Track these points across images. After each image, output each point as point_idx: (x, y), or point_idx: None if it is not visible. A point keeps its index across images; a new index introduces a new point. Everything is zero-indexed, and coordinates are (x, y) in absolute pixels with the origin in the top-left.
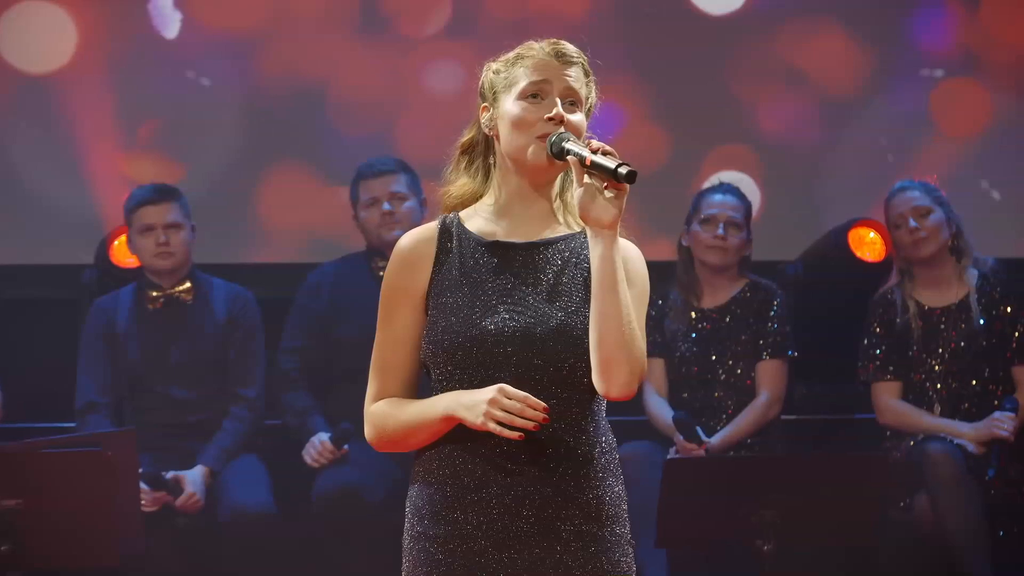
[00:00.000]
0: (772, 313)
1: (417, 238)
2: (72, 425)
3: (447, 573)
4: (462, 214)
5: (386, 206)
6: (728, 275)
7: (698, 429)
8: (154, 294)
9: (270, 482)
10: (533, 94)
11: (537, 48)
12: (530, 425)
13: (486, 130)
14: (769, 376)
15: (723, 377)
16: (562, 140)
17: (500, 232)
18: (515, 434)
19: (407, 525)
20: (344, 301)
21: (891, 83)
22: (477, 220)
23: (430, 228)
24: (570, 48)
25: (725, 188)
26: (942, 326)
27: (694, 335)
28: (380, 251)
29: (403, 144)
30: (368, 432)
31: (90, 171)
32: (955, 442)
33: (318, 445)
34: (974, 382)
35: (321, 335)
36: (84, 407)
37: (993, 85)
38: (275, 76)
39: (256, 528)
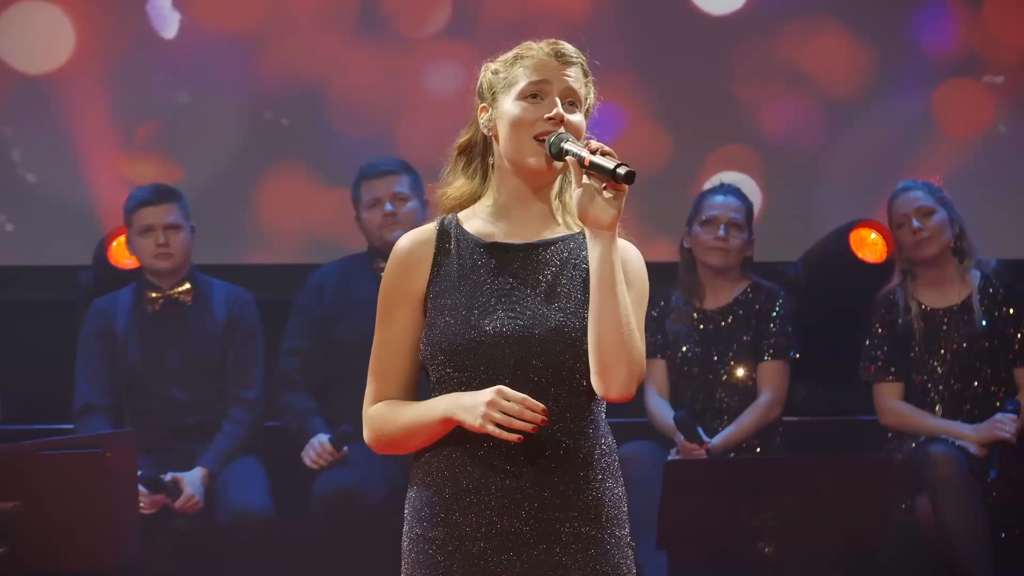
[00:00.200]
0: (774, 314)
1: (415, 239)
2: (70, 427)
3: (446, 575)
4: (460, 215)
5: (388, 207)
6: (730, 276)
7: (699, 429)
8: (153, 295)
9: (269, 484)
10: (533, 94)
11: (536, 48)
12: (529, 427)
13: (485, 130)
14: (771, 377)
15: (725, 378)
16: (561, 140)
17: (499, 233)
18: (514, 436)
19: (406, 527)
20: (345, 302)
21: (893, 83)
22: (476, 221)
23: (428, 229)
24: (569, 48)
25: (726, 189)
26: (944, 327)
27: (696, 336)
28: (382, 252)
29: (403, 144)
30: (367, 434)
31: (88, 172)
32: (957, 444)
33: (317, 447)
34: (976, 383)
35: (322, 336)
36: (82, 409)
37: (995, 85)
38: (274, 76)
39: (255, 530)
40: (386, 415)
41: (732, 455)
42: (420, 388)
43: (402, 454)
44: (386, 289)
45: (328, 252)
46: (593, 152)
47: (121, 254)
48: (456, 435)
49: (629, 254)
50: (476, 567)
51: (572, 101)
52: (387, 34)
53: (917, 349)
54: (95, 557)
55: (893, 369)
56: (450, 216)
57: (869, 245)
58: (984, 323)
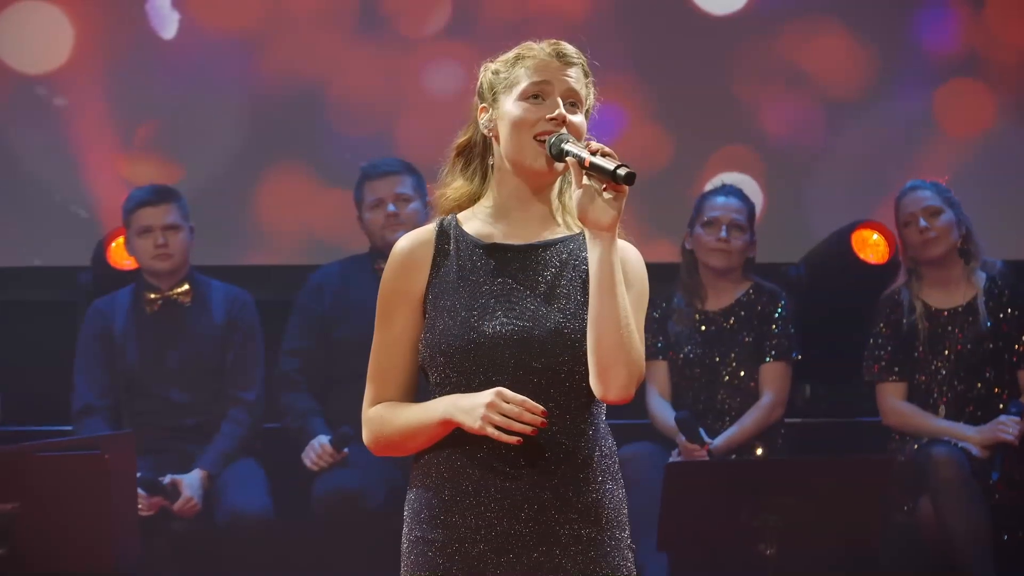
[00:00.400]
0: (776, 315)
1: (414, 240)
2: (69, 428)
3: None
4: (460, 216)
5: (391, 207)
6: (732, 277)
7: (701, 430)
8: (152, 296)
9: (268, 485)
10: (534, 95)
11: (537, 49)
12: (528, 429)
13: (485, 131)
14: (772, 378)
15: (726, 379)
16: (561, 141)
17: (498, 234)
18: (513, 439)
19: (405, 529)
20: (346, 302)
21: (894, 84)
22: (475, 222)
23: (427, 230)
24: (570, 49)
25: (728, 190)
26: (949, 328)
27: (697, 337)
28: (383, 252)
29: (403, 145)
30: (366, 436)
31: (87, 172)
32: (959, 445)
33: (318, 448)
34: (979, 385)
35: (323, 336)
36: (81, 410)
37: (997, 86)
38: (274, 76)
39: (254, 532)
40: (385, 417)
41: (733, 456)
42: (419, 389)
43: (401, 456)
44: (385, 290)
45: (328, 253)
46: (593, 153)
47: (120, 255)
48: (456, 437)
49: (629, 255)
50: (475, 569)
51: (573, 102)
52: (387, 34)
53: (921, 349)
54: (94, 558)
55: (897, 369)
56: (449, 217)
57: (871, 246)
58: (989, 324)
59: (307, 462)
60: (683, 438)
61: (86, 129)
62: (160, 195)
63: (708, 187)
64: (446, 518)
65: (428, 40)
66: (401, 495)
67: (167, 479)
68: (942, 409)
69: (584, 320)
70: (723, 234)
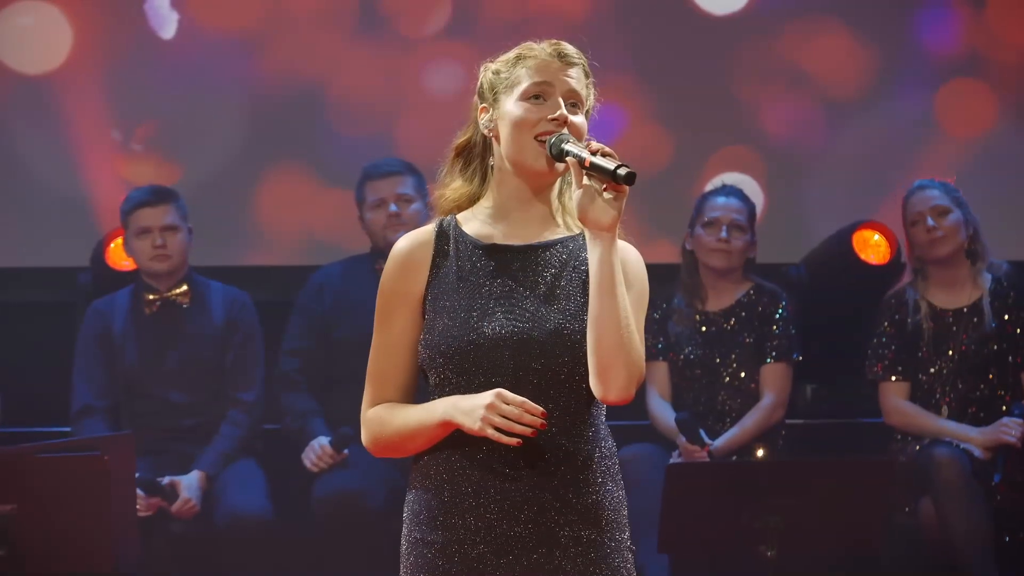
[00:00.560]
0: (777, 316)
1: (414, 241)
2: (68, 429)
3: None
4: (459, 217)
5: (392, 207)
6: (732, 278)
7: (701, 431)
8: (151, 297)
9: (268, 487)
10: (535, 95)
11: (538, 49)
12: (528, 431)
13: (485, 131)
14: (773, 379)
15: (727, 380)
16: (562, 141)
17: (498, 235)
18: (513, 440)
19: (405, 531)
20: (347, 302)
21: (895, 84)
22: (474, 223)
23: (427, 231)
24: (571, 49)
25: (728, 190)
26: (953, 328)
27: (698, 338)
28: (385, 252)
29: (403, 145)
30: (365, 437)
31: (86, 172)
32: (961, 447)
33: (318, 449)
34: (982, 386)
35: (323, 336)
36: (80, 411)
37: (998, 86)
38: (273, 77)
39: (253, 533)
40: (384, 418)
41: (734, 458)
42: (419, 390)
43: (400, 457)
44: (384, 291)
45: (327, 253)
46: (593, 153)
47: (119, 255)
48: (455, 438)
49: (629, 255)
50: (475, 571)
51: (574, 102)
52: (387, 34)
53: (925, 349)
54: (93, 560)
55: (900, 368)
56: (448, 218)
57: (872, 247)
58: (993, 326)
59: (307, 463)
60: (683, 439)
61: (85, 129)
62: (158, 196)
63: (708, 187)
64: (445, 519)
65: (428, 40)
66: (401, 496)
67: (165, 480)
68: (945, 409)
69: (584, 321)
70: (723, 234)
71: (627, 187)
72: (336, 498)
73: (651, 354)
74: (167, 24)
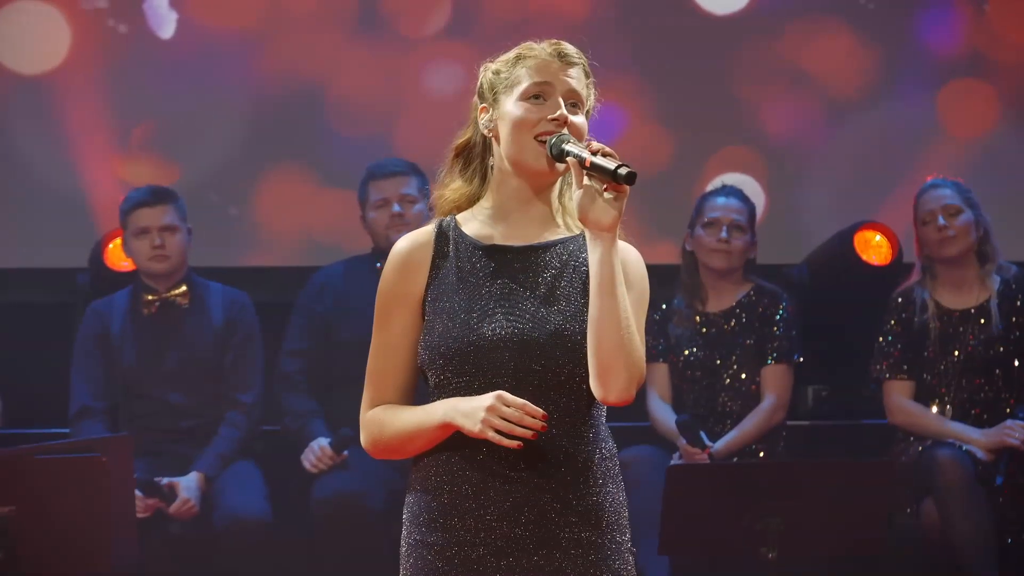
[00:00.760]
0: (778, 317)
1: (413, 242)
2: (66, 430)
3: None
4: (459, 217)
5: (396, 208)
6: (732, 279)
7: (702, 434)
8: (149, 298)
9: (266, 488)
10: (535, 95)
11: (538, 49)
12: (529, 434)
13: (485, 131)
14: (774, 381)
15: (728, 382)
16: (562, 142)
17: (497, 235)
18: (514, 443)
19: (404, 533)
20: (349, 303)
21: (897, 84)
22: (474, 223)
23: (426, 232)
24: (571, 49)
25: (728, 191)
26: (960, 328)
27: (698, 339)
28: (386, 253)
29: (402, 145)
30: (364, 439)
31: (84, 173)
32: (964, 448)
33: (317, 450)
34: (987, 387)
35: (324, 337)
36: (78, 412)
37: (1000, 86)
38: (272, 77)
39: (252, 535)
40: (384, 420)
41: (735, 459)
42: (418, 392)
43: (400, 459)
44: (384, 292)
45: (327, 254)
46: (594, 153)
47: (117, 256)
48: (455, 440)
49: (629, 256)
50: (475, 573)
51: (574, 102)
52: (387, 34)
53: (931, 349)
54: (92, 561)
55: (905, 367)
56: (448, 218)
57: (874, 247)
58: (1000, 328)
59: (306, 464)
60: (684, 442)
61: (83, 129)
62: (157, 196)
63: (709, 188)
64: (445, 521)
65: (428, 40)
66: (400, 498)
67: (164, 481)
68: (949, 410)
69: (584, 322)
70: (723, 235)
71: (628, 187)
72: (335, 500)
73: (651, 355)
74: (166, 24)
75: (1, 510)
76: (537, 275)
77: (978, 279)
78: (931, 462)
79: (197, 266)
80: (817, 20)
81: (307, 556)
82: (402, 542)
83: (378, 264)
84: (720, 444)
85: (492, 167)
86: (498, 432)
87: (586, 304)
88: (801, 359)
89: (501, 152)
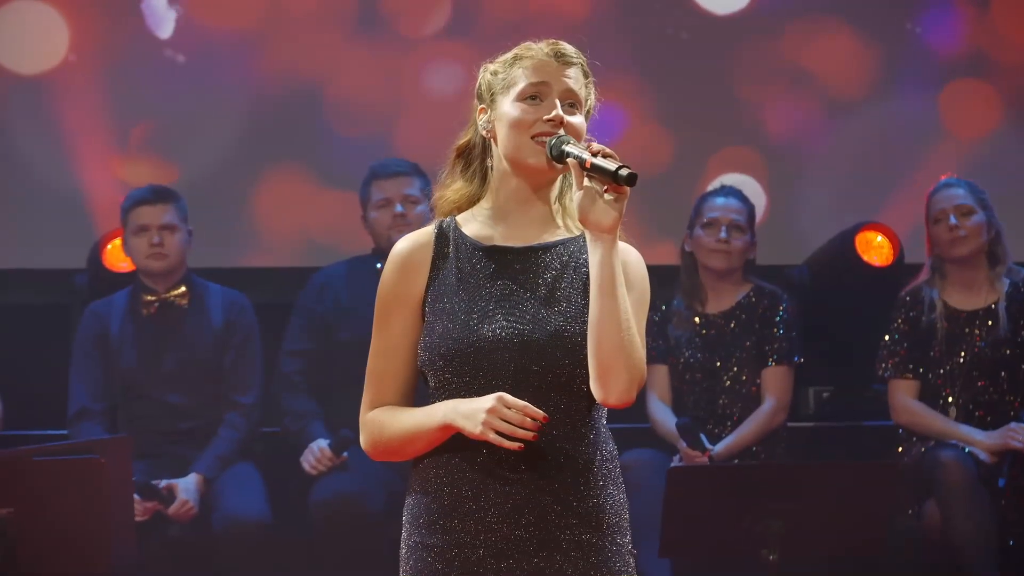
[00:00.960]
0: (778, 318)
1: (413, 243)
2: (65, 432)
3: None
4: (459, 218)
5: (398, 208)
6: (732, 279)
7: (702, 436)
8: (148, 298)
9: (266, 490)
10: (532, 95)
11: (536, 49)
12: (529, 435)
13: (483, 132)
14: (775, 383)
15: (728, 384)
16: (562, 143)
17: (497, 236)
18: (514, 445)
19: (404, 535)
20: (349, 303)
21: (899, 84)
22: (474, 224)
23: (426, 232)
24: (569, 49)
25: (727, 191)
26: (967, 329)
27: (698, 341)
28: (387, 253)
29: (402, 146)
30: (364, 441)
31: (83, 173)
32: (967, 450)
33: (317, 452)
34: (992, 389)
35: (324, 338)
36: (77, 414)
37: (1003, 86)
38: (272, 76)
39: (251, 537)
40: (384, 421)
41: (736, 461)
42: (418, 393)
43: (400, 461)
44: (383, 293)
45: (326, 255)
46: (594, 154)
47: (116, 257)
48: (455, 441)
49: (630, 257)
50: (475, 575)
51: (572, 103)
52: (387, 34)
53: (937, 349)
54: (91, 563)
55: (911, 367)
56: (448, 219)
57: (875, 248)
58: (1008, 330)
59: (305, 466)
60: (684, 444)
61: (81, 130)
62: (158, 195)
63: (708, 189)
64: (445, 523)
65: (428, 40)
66: (400, 500)
67: (163, 483)
68: (953, 411)
69: (584, 323)
70: (723, 235)
71: (628, 188)
72: (335, 501)
73: (651, 357)
74: (164, 23)
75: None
76: (537, 276)
77: (987, 281)
78: (934, 463)
79: (196, 267)
80: (818, 20)
81: (307, 558)
82: (402, 544)
83: (379, 265)
84: (720, 447)
85: (491, 168)
86: (499, 434)
87: (586, 305)
88: (801, 360)
89: (500, 152)
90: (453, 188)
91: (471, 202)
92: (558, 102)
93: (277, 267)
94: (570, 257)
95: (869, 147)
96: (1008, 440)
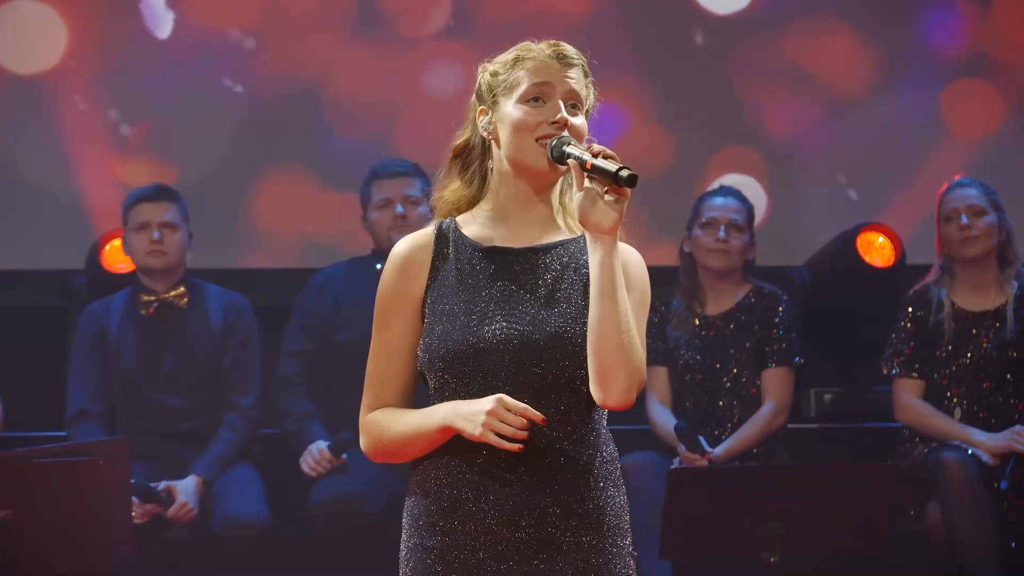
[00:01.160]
0: (777, 319)
1: (412, 244)
2: (63, 434)
3: None
4: (459, 219)
5: (399, 208)
6: (731, 280)
7: (701, 439)
8: (147, 299)
9: (265, 492)
10: (535, 97)
11: (537, 50)
12: (525, 435)
13: (484, 133)
14: (775, 384)
15: (728, 385)
16: (563, 144)
17: (498, 237)
18: (515, 446)
19: (404, 536)
20: (349, 304)
21: (900, 84)
22: (474, 225)
23: (426, 234)
24: (570, 49)
25: (726, 191)
26: (974, 330)
27: (697, 343)
28: (387, 254)
29: (402, 146)
30: (363, 442)
31: (81, 174)
32: (970, 451)
33: (316, 453)
34: (996, 391)
35: (324, 339)
36: (75, 415)
37: (1004, 86)
38: (271, 77)
39: (250, 539)
40: (384, 423)
41: (736, 463)
42: (418, 394)
43: (399, 463)
44: (383, 294)
45: (325, 256)
46: (595, 155)
47: (114, 258)
48: (455, 443)
49: (630, 258)
50: None
51: (574, 103)
52: (386, 34)
53: (944, 349)
54: (89, 565)
55: (917, 366)
56: (448, 220)
57: (877, 249)
58: (1015, 332)
59: (305, 467)
60: (683, 448)
61: (80, 130)
62: (161, 192)
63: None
64: (445, 525)
65: (428, 40)
66: (400, 502)
67: (161, 485)
68: (958, 411)
69: (585, 324)
70: (721, 234)
71: (629, 189)
72: (334, 503)
73: (650, 359)
74: (163, 23)
75: None
76: (537, 277)
77: (996, 282)
78: (936, 464)
79: (195, 267)
80: (819, 19)
81: (306, 560)
82: (401, 546)
83: (378, 265)
84: (720, 449)
85: (491, 169)
86: (499, 436)
87: (587, 306)
88: (801, 361)
89: (501, 154)
90: (451, 189)
91: (470, 203)
92: (561, 103)
93: (276, 268)
94: (570, 258)
95: (870, 147)
96: (1013, 442)
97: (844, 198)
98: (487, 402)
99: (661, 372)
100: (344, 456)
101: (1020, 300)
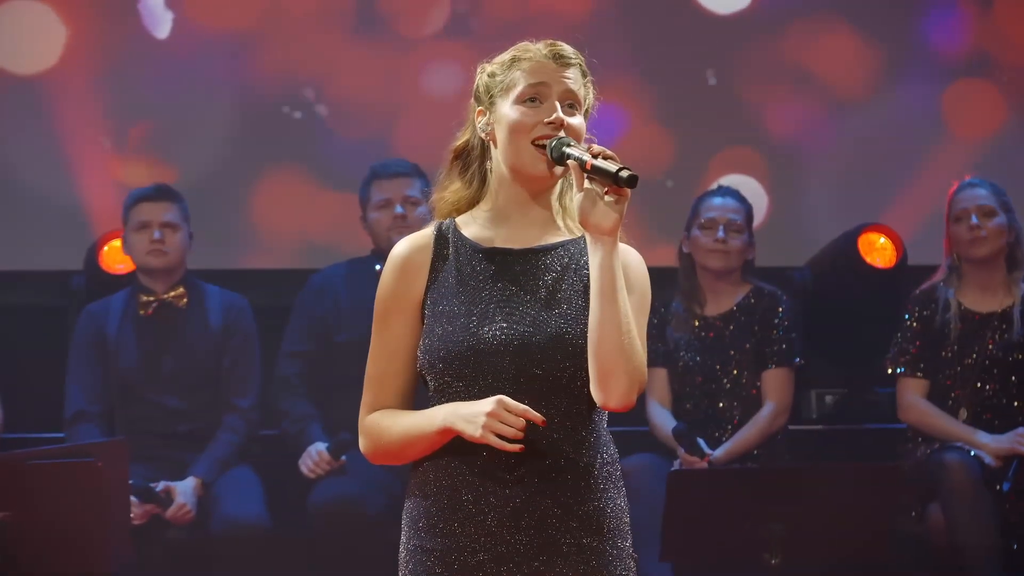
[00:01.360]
0: (777, 320)
1: (412, 245)
2: (61, 435)
3: None
4: (459, 220)
5: (399, 209)
6: (731, 280)
7: (700, 441)
8: (146, 299)
9: (264, 493)
10: (531, 97)
11: (534, 50)
12: (521, 435)
13: (482, 134)
14: (775, 385)
15: (728, 386)
16: (562, 145)
17: (497, 238)
18: (515, 447)
19: (403, 538)
20: (349, 305)
21: (901, 84)
22: (474, 226)
23: (425, 235)
24: (567, 49)
25: (724, 191)
26: (980, 332)
27: (697, 344)
28: (387, 254)
29: (401, 147)
30: (363, 444)
31: (79, 174)
32: (972, 453)
33: (315, 455)
34: (1001, 393)
35: (323, 340)
36: (74, 416)
37: (1006, 86)
38: (270, 77)
39: (249, 541)
40: (383, 424)
41: (736, 465)
42: (418, 396)
43: (399, 464)
44: (382, 296)
45: (325, 256)
46: (595, 156)
47: (113, 259)
48: (455, 445)
49: (630, 259)
50: None
51: (572, 103)
52: (386, 34)
53: (949, 349)
54: (88, 566)
55: (922, 365)
56: (447, 221)
57: (878, 250)
58: (1021, 334)
59: (304, 469)
60: (682, 450)
61: (78, 130)
62: (160, 192)
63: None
64: (445, 527)
65: (427, 40)
66: (399, 503)
67: (160, 486)
68: (963, 412)
69: (585, 325)
70: (720, 235)
71: (629, 190)
72: (333, 505)
73: (650, 361)
74: (162, 24)
75: None
76: (538, 278)
77: (1004, 284)
78: (938, 465)
79: (194, 268)
80: (820, 19)
81: (305, 561)
82: (401, 547)
83: (378, 266)
84: (720, 451)
85: (491, 170)
86: (499, 437)
87: (587, 307)
88: (801, 361)
89: (499, 156)
90: (451, 190)
91: (470, 204)
92: (558, 103)
93: (276, 268)
94: (571, 259)
95: (872, 148)
96: (1016, 444)
97: (845, 198)
98: (487, 403)
99: (661, 374)
100: (343, 458)
101: None
